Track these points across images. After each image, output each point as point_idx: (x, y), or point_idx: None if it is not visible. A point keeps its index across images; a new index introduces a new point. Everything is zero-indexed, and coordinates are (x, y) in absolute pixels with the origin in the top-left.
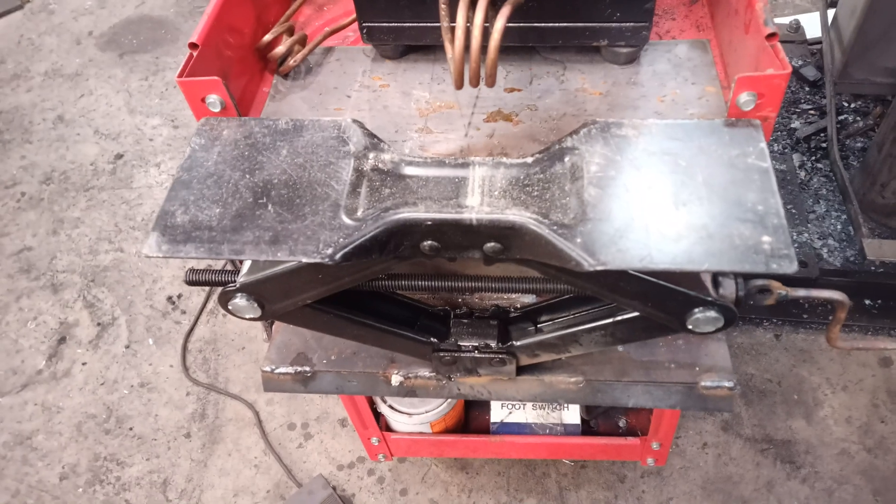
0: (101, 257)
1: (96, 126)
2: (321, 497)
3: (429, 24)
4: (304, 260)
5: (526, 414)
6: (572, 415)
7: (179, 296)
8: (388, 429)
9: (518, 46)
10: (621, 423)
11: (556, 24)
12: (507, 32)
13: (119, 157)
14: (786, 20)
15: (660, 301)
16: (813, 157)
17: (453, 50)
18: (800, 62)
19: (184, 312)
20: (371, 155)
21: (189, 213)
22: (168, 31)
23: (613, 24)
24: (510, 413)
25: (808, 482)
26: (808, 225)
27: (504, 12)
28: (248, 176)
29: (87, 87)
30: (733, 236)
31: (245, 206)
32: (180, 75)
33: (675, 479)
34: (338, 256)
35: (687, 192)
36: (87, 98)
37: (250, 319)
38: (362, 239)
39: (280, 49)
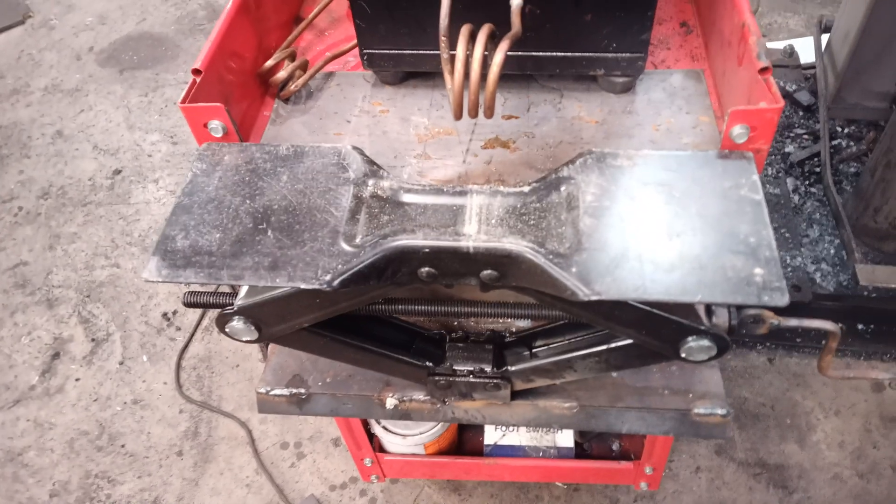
0: (97, 273)
1: (95, 142)
2: None
3: (428, 52)
4: (303, 286)
5: (520, 436)
6: (566, 438)
7: (175, 312)
8: (382, 449)
9: (516, 74)
10: (615, 447)
11: (554, 54)
12: (505, 61)
13: (117, 172)
14: (780, 45)
15: (654, 329)
16: (806, 182)
17: (452, 81)
18: (794, 87)
19: (178, 329)
20: (370, 182)
21: (189, 238)
22: (168, 48)
23: (610, 55)
24: (504, 435)
25: None
26: (802, 249)
27: (503, 46)
28: (248, 201)
29: (86, 102)
30: (726, 268)
31: (245, 231)
32: (183, 101)
33: (669, 503)
34: (336, 283)
35: (680, 223)
36: (87, 113)
37: (247, 342)
38: (360, 266)
39: (281, 74)
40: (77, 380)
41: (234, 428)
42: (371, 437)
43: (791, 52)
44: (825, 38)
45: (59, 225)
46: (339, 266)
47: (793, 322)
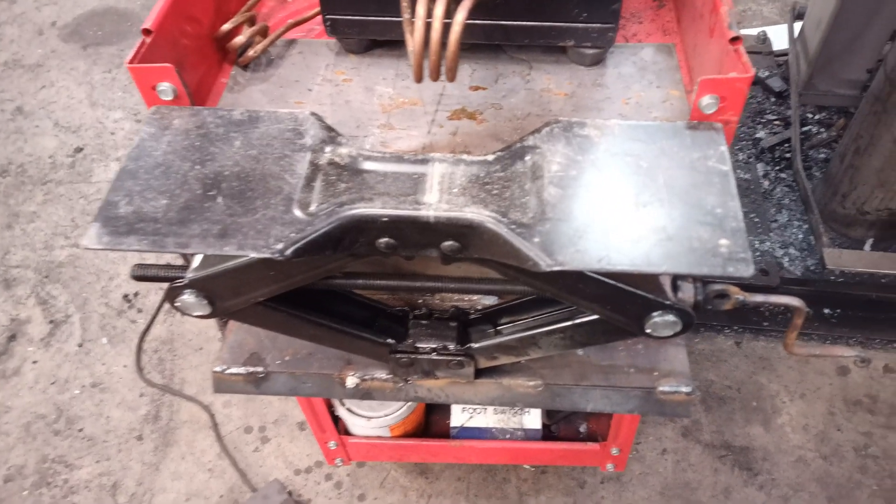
0: (57, 253)
1: (56, 119)
2: (276, 502)
3: (394, 19)
4: (253, 255)
5: (487, 418)
6: (533, 420)
7: (136, 294)
8: (347, 432)
9: (485, 45)
10: (582, 429)
11: (523, 23)
12: (473, 30)
13: (79, 150)
14: (753, 31)
15: (618, 304)
16: (777, 167)
17: (413, 42)
18: (766, 73)
19: (140, 311)
20: (328, 149)
21: (134, 205)
22: (133, 24)
23: (580, 25)
24: (471, 417)
25: (764, 489)
26: (771, 234)
27: (465, 4)
28: (198, 167)
29: (48, 78)
30: (692, 239)
31: (194, 197)
32: (131, 61)
33: (635, 484)
34: (289, 252)
35: (647, 194)
36: (48, 90)
37: (199, 317)
38: (315, 234)
39: (239, 39)
40: (34, 362)
41: (196, 412)
42: (336, 419)
43: (764, 39)
44: (798, 25)
45: (18, 203)
46: (293, 234)
47: (758, 298)
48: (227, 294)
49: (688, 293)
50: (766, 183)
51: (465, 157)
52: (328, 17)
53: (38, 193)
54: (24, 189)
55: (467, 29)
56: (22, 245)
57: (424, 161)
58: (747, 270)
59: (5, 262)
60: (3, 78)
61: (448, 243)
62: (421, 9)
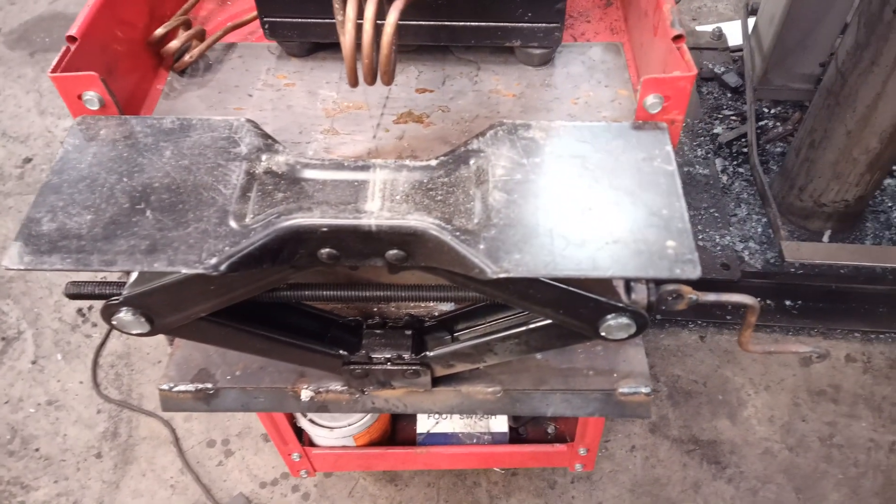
0: None
1: (3, 128)
2: None
3: (334, 20)
4: (185, 271)
5: (453, 424)
6: (500, 423)
7: (90, 307)
8: (311, 443)
9: (432, 46)
10: (550, 430)
11: (469, 24)
12: (418, 31)
13: (28, 160)
14: (709, 28)
15: (571, 308)
16: (735, 162)
17: (345, 45)
18: (722, 69)
19: (95, 325)
20: (264, 157)
21: (57, 221)
22: None
23: (525, 25)
24: (437, 423)
25: (733, 482)
26: (730, 228)
27: (397, 5)
28: (125, 179)
29: None
30: (638, 241)
31: (120, 212)
32: (54, 70)
33: (605, 482)
34: (223, 267)
35: (593, 196)
36: None
37: (138, 335)
38: (251, 247)
39: (174, 43)
40: None
41: (156, 427)
42: (299, 431)
43: (719, 35)
44: (752, 21)
45: None
46: (227, 248)
47: (711, 297)
48: (166, 311)
49: (641, 294)
50: (724, 178)
51: (407, 162)
52: (266, 19)
53: None
54: None
55: (413, 30)
56: None
57: (366, 168)
58: (694, 272)
59: None
60: None
61: (392, 252)
62: (351, 10)
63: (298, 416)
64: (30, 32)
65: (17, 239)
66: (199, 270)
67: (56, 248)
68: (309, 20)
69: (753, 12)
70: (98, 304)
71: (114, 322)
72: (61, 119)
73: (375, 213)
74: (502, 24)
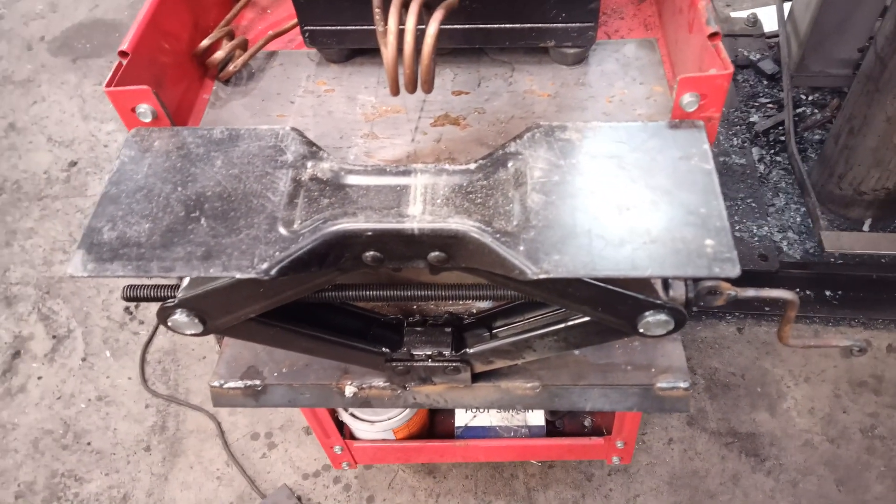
0: (56, 268)
1: (49, 133)
2: None
3: (372, 27)
4: (238, 276)
5: (490, 417)
6: (537, 416)
7: (137, 306)
8: (352, 436)
9: (466, 48)
10: (586, 423)
11: (503, 26)
12: (453, 34)
13: (73, 164)
14: (743, 14)
15: (609, 306)
16: (772, 151)
17: (386, 55)
18: (757, 56)
19: (142, 323)
20: (310, 164)
21: (117, 230)
22: (122, 35)
23: (559, 25)
24: (474, 416)
25: (772, 474)
26: (768, 218)
27: (437, 16)
28: (179, 188)
29: (39, 93)
30: (676, 240)
31: (176, 220)
32: (108, 85)
33: (642, 475)
34: (273, 271)
35: (630, 196)
36: (40, 105)
37: (192, 335)
38: (299, 252)
39: (219, 54)
40: (39, 378)
41: (202, 421)
42: (340, 424)
43: (754, 21)
44: (787, 6)
45: (15, 220)
46: (277, 253)
47: (750, 293)
48: (218, 312)
49: (679, 291)
50: (761, 167)
51: (447, 166)
52: (306, 28)
53: (34, 209)
54: (21, 206)
55: (447, 34)
56: (21, 262)
57: (407, 172)
58: (733, 270)
59: (5, 280)
60: None
61: (434, 254)
62: (392, 21)
63: (340, 410)
64: (71, 39)
65: (80, 247)
66: (252, 275)
67: (117, 255)
68: (347, 27)
69: None
70: (144, 303)
71: (169, 323)
72: (104, 123)
73: (417, 216)
74: (536, 24)
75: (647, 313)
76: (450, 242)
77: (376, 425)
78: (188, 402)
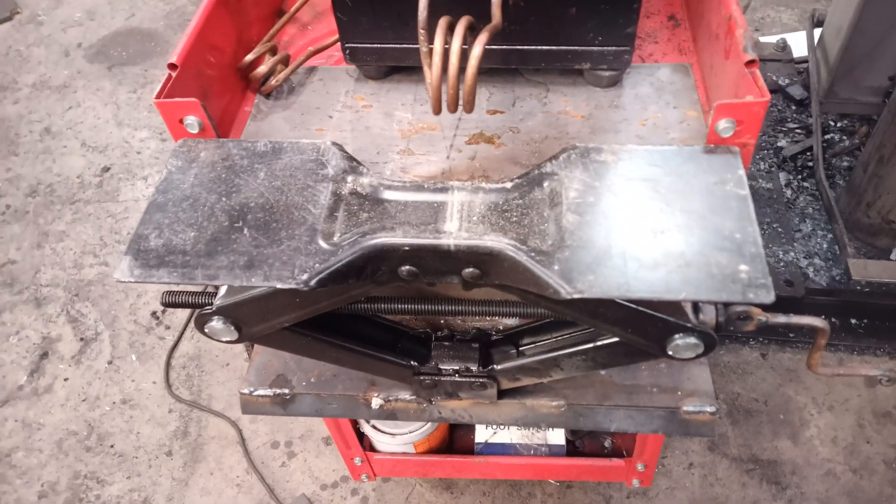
0: (86, 271)
1: (83, 138)
2: None
3: (411, 46)
4: (279, 286)
5: (510, 434)
6: (557, 435)
7: (164, 311)
8: (372, 448)
9: (501, 68)
10: (606, 444)
11: (539, 47)
12: (490, 54)
13: (106, 169)
14: (773, 39)
15: (640, 327)
16: (799, 176)
17: (431, 76)
18: (786, 81)
19: (168, 328)
20: (349, 178)
21: (163, 237)
22: (157, 44)
23: (595, 48)
24: (495, 433)
25: (793, 503)
26: (794, 244)
27: (482, 39)
28: (224, 199)
29: (74, 99)
30: (711, 265)
31: (220, 229)
32: (158, 96)
33: (662, 499)
34: (313, 282)
35: (665, 220)
36: (75, 110)
37: (227, 342)
38: (339, 264)
39: (262, 69)
40: (65, 379)
41: (224, 427)
42: (361, 436)
43: (784, 47)
44: (818, 32)
45: (48, 223)
46: (317, 265)
47: (781, 319)
48: (254, 320)
49: (709, 315)
50: (788, 192)
51: (483, 184)
52: (347, 45)
53: (66, 213)
54: (53, 209)
55: (485, 53)
56: (52, 264)
57: (444, 189)
58: (768, 297)
59: (36, 281)
60: (31, 99)
61: (469, 270)
62: (438, 41)
63: (362, 421)
64: (107, 47)
65: (128, 253)
66: (292, 286)
67: (163, 262)
68: (386, 45)
69: (819, 23)
70: (171, 309)
71: (206, 330)
72: (137, 130)
73: (454, 233)
74: (572, 47)
75: (676, 336)
76: (485, 259)
77: (397, 438)
78: (210, 408)
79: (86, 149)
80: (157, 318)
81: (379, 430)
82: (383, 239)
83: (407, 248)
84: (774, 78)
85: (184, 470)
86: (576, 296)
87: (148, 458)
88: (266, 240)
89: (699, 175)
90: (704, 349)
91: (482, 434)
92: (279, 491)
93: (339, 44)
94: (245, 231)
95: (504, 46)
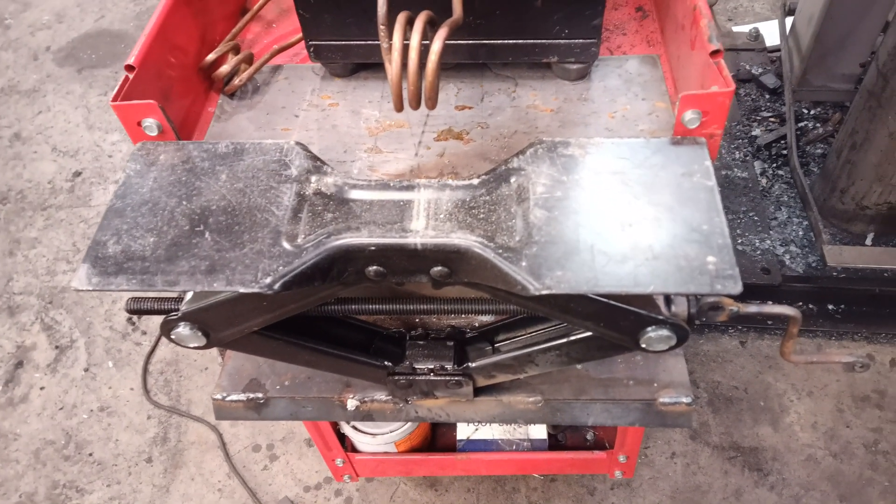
0: (59, 278)
1: (54, 143)
2: None
3: (377, 42)
4: (242, 290)
5: (492, 430)
6: (539, 430)
7: (140, 317)
8: (353, 449)
9: (469, 63)
10: (589, 436)
11: (506, 41)
12: (457, 49)
13: (77, 174)
14: (745, 28)
15: (612, 321)
16: (774, 165)
17: (391, 72)
18: (759, 70)
19: (144, 333)
20: (314, 178)
21: (122, 243)
22: (128, 46)
23: (562, 41)
24: (476, 430)
25: (775, 489)
26: (770, 232)
27: (441, 33)
28: (184, 202)
29: (44, 103)
30: (679, 257)
31: (181, 234)
32: (114, 99)
33: (645, 489)
34: (277, 286)
35: (633, 213)
36: (45, 114)
37: (195, 348)
38: (303, 266)
39: (225, 68)
40: (41, 388)
41: (204, 432)
42: (342, 437)
43: (756, 36)
44: (790, 20)
45: (19, 230)
46: (281, 268)
47: (752, 309)
48: (221, 325)
49: (681, 307)
50: (763, 181)
51: (450, 181)
52: (311, 42)
53: (38, 219)
54: (25, 215)
55: (451, 49)
56: (24, 271)
57: (410, 187)
58: (735, 287)
59: (9, 290)
60: (0, 104)
61: (437, 269)
62: (397, 38)
63: (342, 423)
64: (77, 50)
65: (85, 261)
66: (255, 290)
67: (122, 269)
68: (352, 42)
69: (791, 12)
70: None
71: (172, 336)
72: (109, 133)
73: (420, 231)
74: (539, 40)
75: (649, 329)
76: (452, 257)
77: (378, 438)
78: (190, 413)
79: (57, 153)
80: (134, 323)
81: (359, 430)
82: (348, 239)
83: (373, 248)
84: (747, 67)
85: (164, 476)
86: (544, 292)
87: (127, 466)
88: (228, 243)
89: (667, 167)
90: (677, 341)
91: (464, 431)
92: (262, 494)
93: (303, 41)
94: (206, 235)
95: (471, 41)
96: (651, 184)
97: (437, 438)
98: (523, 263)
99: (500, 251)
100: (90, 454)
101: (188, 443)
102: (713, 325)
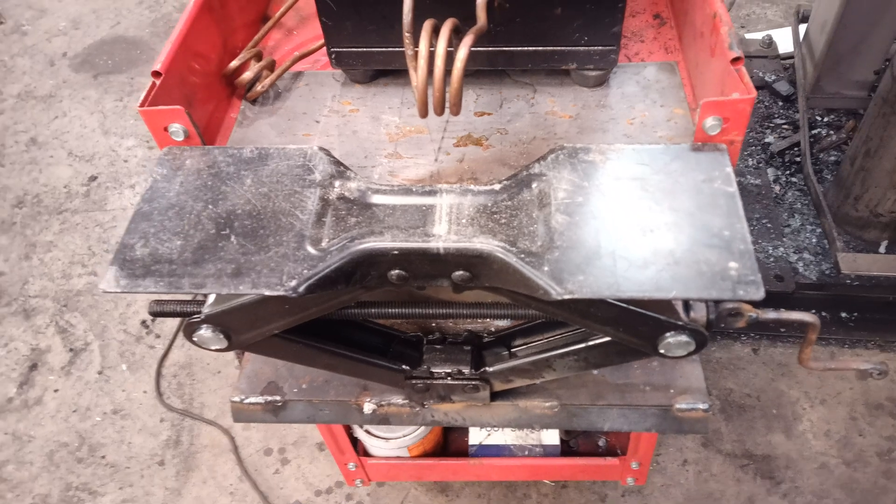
0: (74, 281)
1: (70, 148)
2: None
3: (398, 49)
4: (267, 293)
5: (505, 436)
6: (551, 436)
7: (153, 320)
8: (366, 453)
9: (488, 70)
10: (601, 443)
11: (525, 48)
12: (476, 56)
13: (93, 179)
14: (758, 35)
15: (631, 326)
16: (787, 172)
17: (417, 79)
18: (773, 77)
19: (158, 337)
20: (337, 183)
21: (149, 246)
22: (143, 52)
23: (581, 48)
24: (489, 435)
25: (788, 497)
26: (784, 239)
27: (467, 41)
28: (210, 206)
29: (60, 108)
30: (700, 263)
31: (207, 237)
32: (142, 104)
33: (657, 496)
34: (301, 289)
35: (654, 218)
36: (61, 120)
37: (217, 351)
38: (327, 270)
39: (247, 75)
40: (56, 391)
41: (216, 435)
42: (354, 441)
43: (769, 43)
44: (803, 27)
45: (35, 234)
46: (305, 271)
47: (771, 315)
48: (243, 328)
49: (700, 313)
50: (777, 188)
51: (472, 187)
52: (332, 49)
53: (54, 223)
54: (41, 219)
55: (471, 56)
56: (40, 275)
57: (432, 192)
58: (757, 293)
59: (24, 293)
60: (16, 109)
61: (458, 273)
62: (423, 44)
63: (355, 427)
64: (93, 56)
65: (113, 264)
66: (280, 293)
67: (149, 272)
68: (372, 49)
69: (804, 19)
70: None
71: (195, 338)
72: (124, 139)
73: (443, 236)
74: (559, 48)
75: (668, 334)
76: (475, 262)
77: (391, 442)
78: (202, 416)
79: (72, 158)
80: (147, 327)
81: (372, 434)
82: (372, 244)
83: (396, 253)
84: (761, 74)
85: (176, 479)
86: (566, 296)
87: (140, 468)
88: (253, 247)
89: (687, 173)
90: (696, 347)
91: (476, 436)
92: (273, 498)
93: (324, 48)
94: (232, 238)
95: (490, 48)
96: (671, 190)
97: (449, 443)
98: (545, 268)
99: (522, 256)
100: (103, 457)
101: (201, 446)
102: (726, 332)
